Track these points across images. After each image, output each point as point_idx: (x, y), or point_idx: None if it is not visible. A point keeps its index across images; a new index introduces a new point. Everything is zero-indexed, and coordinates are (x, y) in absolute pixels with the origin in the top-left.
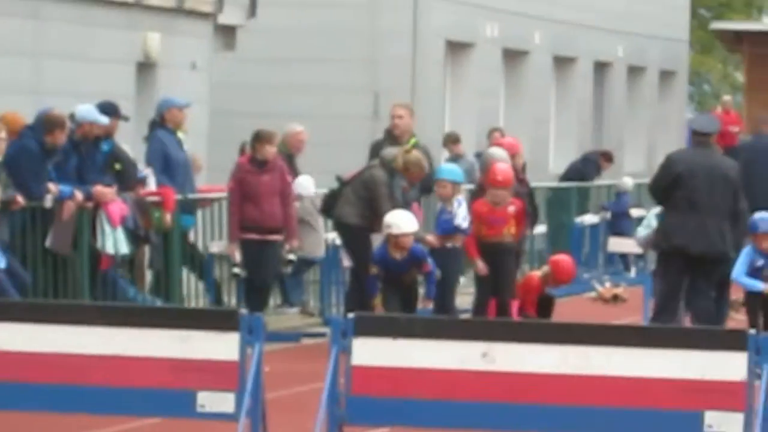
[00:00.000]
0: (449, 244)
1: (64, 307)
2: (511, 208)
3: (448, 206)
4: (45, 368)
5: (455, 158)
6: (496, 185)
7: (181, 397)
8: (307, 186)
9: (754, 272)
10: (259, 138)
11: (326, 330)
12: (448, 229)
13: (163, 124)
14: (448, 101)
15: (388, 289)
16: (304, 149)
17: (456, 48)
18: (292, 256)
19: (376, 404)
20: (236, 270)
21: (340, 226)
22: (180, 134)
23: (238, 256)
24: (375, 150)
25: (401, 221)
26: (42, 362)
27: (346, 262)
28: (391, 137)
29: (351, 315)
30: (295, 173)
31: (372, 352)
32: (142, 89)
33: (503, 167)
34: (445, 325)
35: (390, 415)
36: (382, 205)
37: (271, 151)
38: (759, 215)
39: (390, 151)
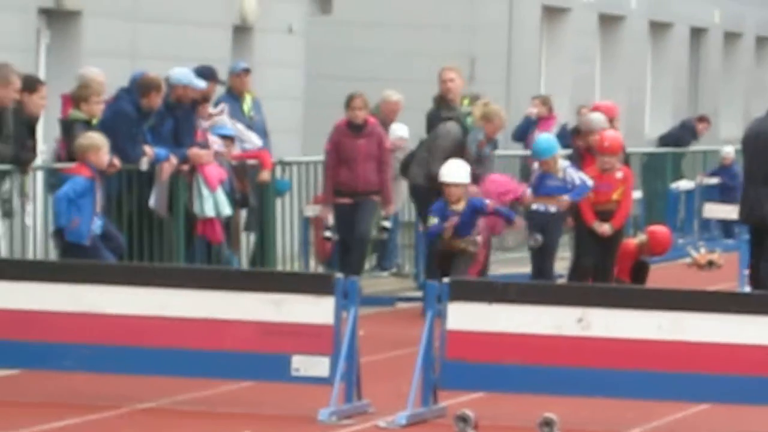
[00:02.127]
0: (552, 209)
1: (159, 270)
2: (619, 174)
3: (558, 174)
4: (140, 331)
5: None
6: (604, 152)
7: (276, 360)
8: (403, 132)
9: None
10: (347, 102)
11: (421, 294)
12: (551, 194)
13: (229, 91)
14: (544, 67)
15: (436, 261)
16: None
17: (552, 13)
18: (387, 224)
19: (471, 369)
20: (328, 234)
21: (410, 188)
22: (249, 99)
23: (331, 219)
24: (430, 118)
25: (449, 170)
26: (137, 325)
27: (421, 226)
28: (445, 102)
29: (446, 279)
30: None
31: (467, 316)
32: (239, 53)
33: (611, 134)
34: (540, 290)
35: (484, 381)
36: (436, 157)
37: (359, 115)
38: None
39: (465, 109)
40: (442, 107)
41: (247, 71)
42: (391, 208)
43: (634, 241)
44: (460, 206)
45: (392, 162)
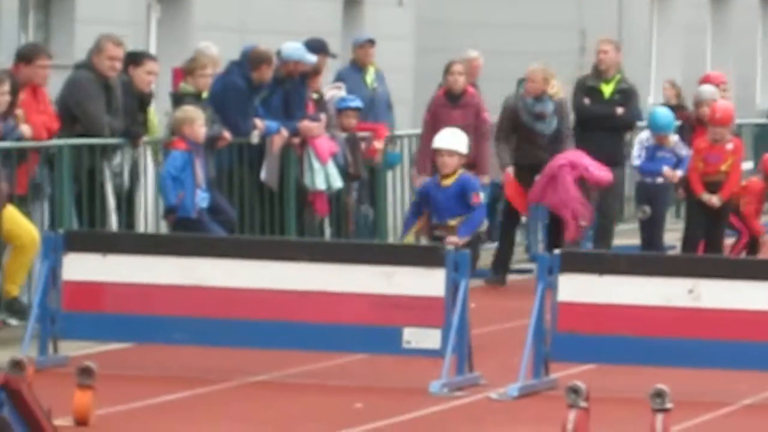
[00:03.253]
0: (659, 180)
1: (270, 243)
2: (730, 146)
3: (667, 145)
4: (251, 304)
5: None
6: (715, 123)
7: (387, 333)
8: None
9: None
10: (446, 68)
11: (532, 266)
12: (657, 168)
13: (353, 63)
14: (655, 38)
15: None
16: (479, 75)
17: None
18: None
19: (582, 341)
20: None
21: None
22: (372, 71)
23: None
24: (580, 85)
25: (443, 135)
26: (247, 299)
27: None
28: (597, 72)
29: (557, 251)
30: None
31: (578, 288)
32: (349, 26)
33: (723, 105)
34: (651, 262)
35: (595, 353)
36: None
37: (459, 80)
38: None
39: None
40: (592, 77)
41: (371, 42)
42: (485, 179)
43: (755, 178)
44: (450, 181)
45: (489, 133)
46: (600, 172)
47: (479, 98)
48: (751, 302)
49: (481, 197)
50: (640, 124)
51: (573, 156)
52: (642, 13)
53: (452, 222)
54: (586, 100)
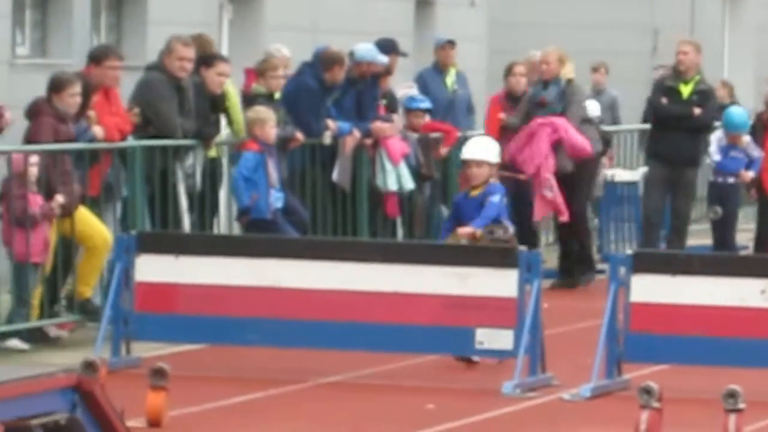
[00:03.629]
0: (731, 180)
1: (342, 244)
2: None
3: (740, 145)
4: (324, 305)
5: (598, 91)
6: None
7: (460, 334)
8: (595, 109)
9: None
10: (507, 69)
11: (604, 267)
12: (734, 168)
13: (434, 65)
14: (727, 37)
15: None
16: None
17: None
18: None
19: (655, 341)
20: None
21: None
22: (453, 73)
23: None
24: (658, 86)
25: (471, 145)
26: (320, 300)
27: None
28: (676, 73)
29: (629, 252)
30: None
31: (650, 288)
32: (421, 27)
33: None
34: (723, 262)
35: (668, 353)
36: None
37: (521, 81)
38: None
39: None
40: (671, 77)
41: (452, 44)
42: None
43: None
44: (478, 192)
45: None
46: (580, 139)
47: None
48: None
49: (497, 198)
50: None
51: (557, 120)
52: (714, 12)
53: (475, 230)
54: (664, 100)
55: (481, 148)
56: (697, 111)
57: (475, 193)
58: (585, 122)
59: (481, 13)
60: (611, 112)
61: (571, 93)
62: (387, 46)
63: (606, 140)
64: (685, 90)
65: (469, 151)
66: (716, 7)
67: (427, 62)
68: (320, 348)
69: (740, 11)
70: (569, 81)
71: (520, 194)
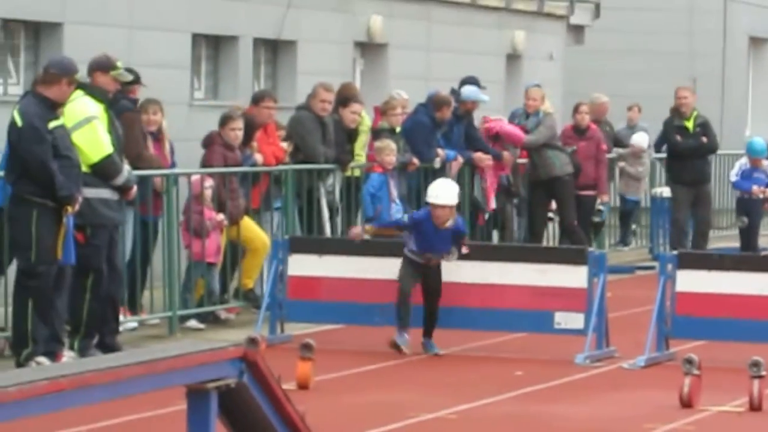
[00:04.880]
0: (756, 196)
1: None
2: None
3: (761, 167)
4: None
5: (631, 126)
6: None
7: (542, 316)
8: (642, 141)
9: None
10: (575, 108)
11: (655, 264)
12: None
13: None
14: (751, 87)
15: (410, 266)
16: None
17: (758, 43)
18: (602, 207)
19: (695, 322)
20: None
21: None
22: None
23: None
24: (669, 125)
25: (437, 190)
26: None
27: None
28: (680, 113)
29: (675, 252)
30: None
31: (692, 281)
32: (511, 77)
33: None
34: (749, 261)
35: (706, 332)
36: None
37: (585, 118)
38: None
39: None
40: (675, 117)
41: (533, 87)
42: (605, 197)
43: None
44: (446, 226)
45: (606, 161)
46: (515, 130)
47: (599, 133)
48: None
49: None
50: (739, 151)
51: (494, 120)
52: (740, 65)
53: (440, 256)
54: (678, 138)
55: (444, 192)
56: (703, 140)
57: (443, 227)
58: (555, 148)
59: (558, 65)
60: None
61: (544, 121)
62: (471, 81)
63: (576, 165)
64: (690, 125)
65: (437, 198)
66: (742, 61)
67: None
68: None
69: (762, 64)
70: (546, 113)
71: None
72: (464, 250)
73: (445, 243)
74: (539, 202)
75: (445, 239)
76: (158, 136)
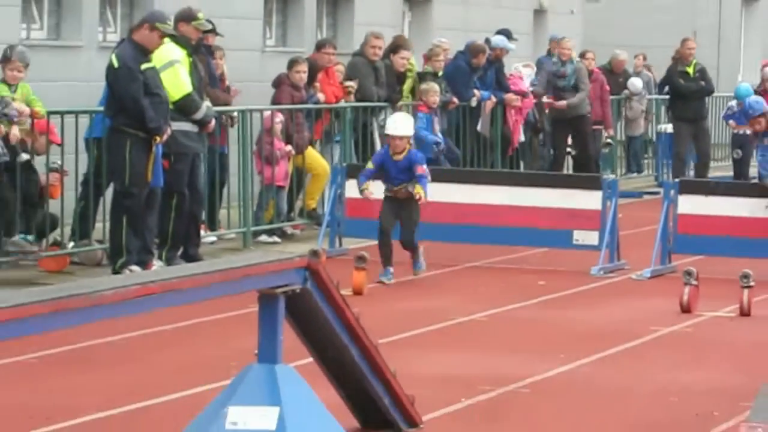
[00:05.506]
0: (748, 132)
1: (486, 173)
2: None
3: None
4: (473, 214)
5: (638, 72)
6: None
7: (563, 234)
8: (637, 85)
9: None
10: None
11: (660, 190)
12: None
13: (548, 53)
14: (743, 39)
15: (387, 204)
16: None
17: (750, 1)
18: (609, 140)
19: (694, 240)
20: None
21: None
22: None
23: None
24: (673, 70)
25: (395, 123)
26: (472, 211)
27: None
28: (684, 61)
29: (677, 180)
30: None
31: (691, 204)
32: (537, 29)
33: None
34: (740, 188)
35: (703, 248)
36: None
37: (586, 64)
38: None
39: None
40: (679, 63)
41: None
42: (610, 131)
43: None
44: (401, 156)
45: (609, 100)
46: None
47: (602, 75)
48: None
49: (425, 168)
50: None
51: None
52: (734, 19)
53: (399, 187)
54: (681, 81)
55: (401, 125)
56: (702, 83)
57: (399, 157)
58: (582, 91)
59: (578, 18)
60: (647, 87)
61: (581, 77)
62: (508, 34)
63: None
64: (690, 70)
65: (393, 129)
66: (736, 15)
67: (542, 52)
68: (464, 242)
69: (752, 19)
70: (578, 66)
71: (578, 132)
72: (420, 201)
73: (404, 173)
74: (562, 136)
75: (403, 169)
76: (221, 78)
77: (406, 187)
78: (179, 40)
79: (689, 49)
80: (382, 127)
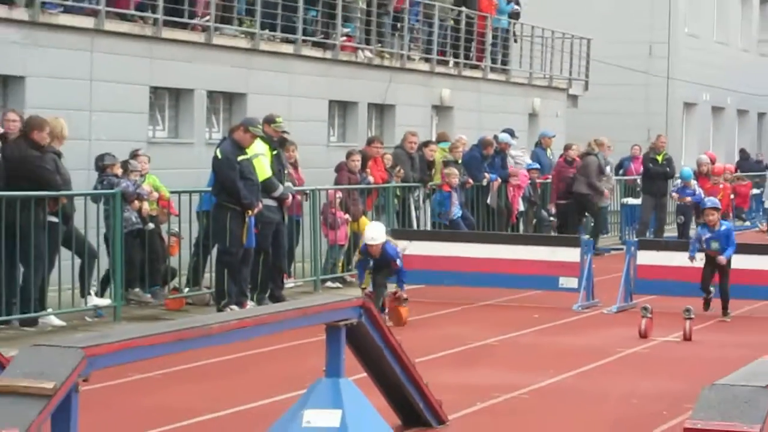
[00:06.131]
0: (687, 202)
1: (494, 235)
2: (720, 186)
3: (689, 186)
4: (485, 265)
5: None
6: (713, 173)
7: (551, 279)
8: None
9: None
10: (565, 147)
11: (623, 247)
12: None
13: (539, 144)
14: (684, 135)
15: (375, 272)
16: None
17: (689, 106)
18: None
19: (650, 283)
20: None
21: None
22: (548, 152)
23: (553, 209)
24: (647, 158)
25: (371, 233)
26: (483, 262)
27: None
28: (656, 150)
29: (636, 239)
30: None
31: (648, 257)
32: (531, 128)
33: (715, 166)
34: (683, 245)
35: (656, 289)
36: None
37: (572, 154)
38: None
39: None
40: (651, 152)
41: (553, 137)
42: (608, 198)
43: None
44: (379, 255)
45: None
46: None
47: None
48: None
49: (398, 263)
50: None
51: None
52: (677, 119)
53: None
54: (651, 165)
55: (377, 235)
56: (668, 169)
57: (377, 256)
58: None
59: (561, 120)
60: (613, 171)
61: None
62: (511, 133)
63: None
64: (660, 158)
65: (370, 239)
66: (679, 116)
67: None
68: (479, 286)
69: (691, 119)
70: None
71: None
72: (403, 295)
73: (385, 263)
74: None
75: (381, 263)
76: (295, 165)
77: (387, 270)
78: (264, 137)
79: (662, 143)
80: (416, 200)
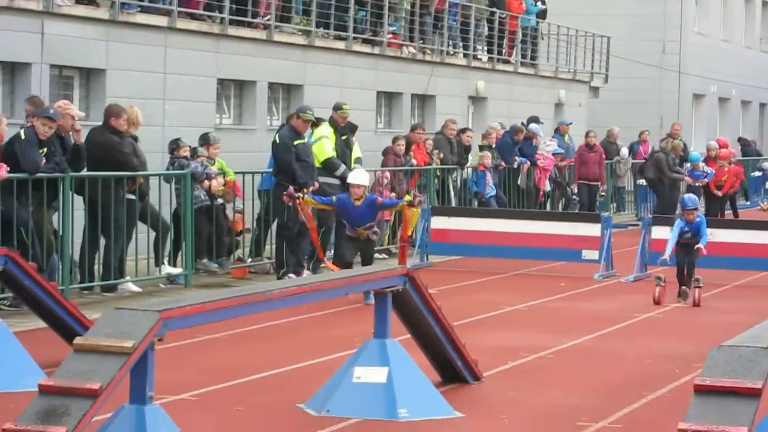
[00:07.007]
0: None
1: (524, 212)
2: (726, 168)
3: (698, 168)
4: (516, 239)
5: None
6: (719, 157)
7: (575, 252)
8: (624, 153)
9: None
10: (587, 133)
11: (639, 223)
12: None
13: (557, 131)
14: (693, 123)
15: (349, 242)
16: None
17: (698, 97)
18: (603, 192)
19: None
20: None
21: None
22: (567, 137)
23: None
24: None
25: (355, 174)
26: (510, 237)
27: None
28: (672, 135)
29: (651, 216)
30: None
31: (659, 231)
32: (557, 116)
33: (722, 151)
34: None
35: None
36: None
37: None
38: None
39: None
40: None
41: (570, 123)
42: (604, 186)
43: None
44: (360, 202)
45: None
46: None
47: (601, 148)
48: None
49: (381, 198)
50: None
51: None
52: (687, 109)
53: (361, 228)
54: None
55: (360, 177)
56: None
57: (358, 203)
58: None
59: (584, 109)
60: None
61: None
62: (534, 120)
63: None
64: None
65: (354, 179)
66: (689, 106)
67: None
68: (510, 258)
69: (700, 109)
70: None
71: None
72: (374, 236)
73: (364, 215)
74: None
75: (363, 212)
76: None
77: (368, 235)
78: (331, 122)
79: (676, 130)
80: (454, 181)
